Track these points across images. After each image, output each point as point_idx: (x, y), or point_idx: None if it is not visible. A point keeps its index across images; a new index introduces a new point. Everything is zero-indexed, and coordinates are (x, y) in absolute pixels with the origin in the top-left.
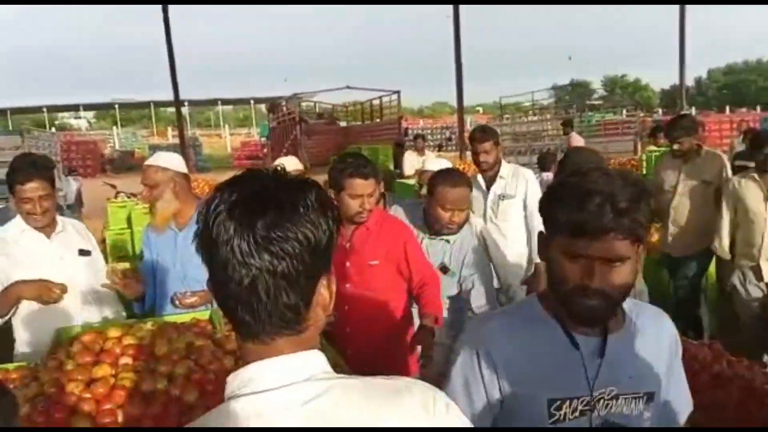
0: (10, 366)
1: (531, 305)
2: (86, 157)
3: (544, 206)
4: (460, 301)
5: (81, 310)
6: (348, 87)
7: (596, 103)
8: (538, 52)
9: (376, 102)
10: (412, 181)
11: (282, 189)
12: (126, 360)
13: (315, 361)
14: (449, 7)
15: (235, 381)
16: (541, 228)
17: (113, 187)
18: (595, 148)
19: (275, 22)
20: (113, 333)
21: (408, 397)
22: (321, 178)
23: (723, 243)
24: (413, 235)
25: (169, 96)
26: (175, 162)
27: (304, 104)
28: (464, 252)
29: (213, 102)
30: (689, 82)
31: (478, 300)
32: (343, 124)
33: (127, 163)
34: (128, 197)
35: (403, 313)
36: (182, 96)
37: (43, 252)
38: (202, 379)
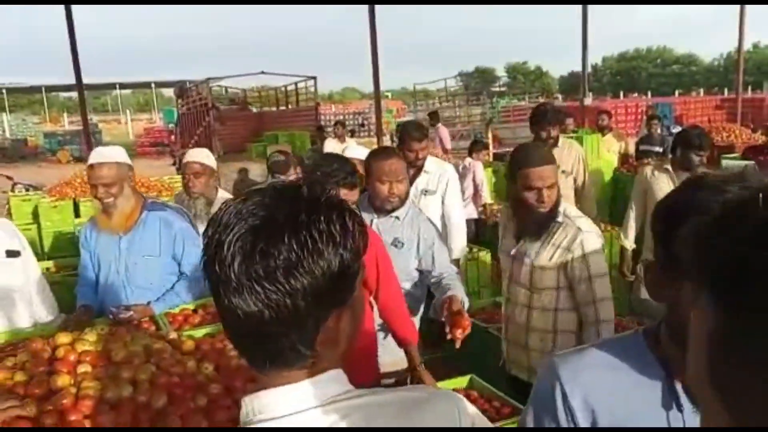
0: None
1: (635, 342)
2: None
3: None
4: (421, 285)
5: (8, 313)
6: (263, 72)
7: (501, 90)
8: (443, 40)
9: (291, 87)
10: None
11: (289, 223)
12: (85, 368)
13: (332, 384)
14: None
15: (251, 404)
16: (461, 225)
17: (9, 178)
18: (504, 132)
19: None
20: (63, 339)
21: (429, 411)
22: (235, 165)
23: (628, 233)
24: (385, 251)
25: (60, 80)
26: (125, 155)
27: (214, 89)
28: (417, 226)
29: (111, 86)
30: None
31: (440, 269)
32: (254, 109)
33: (20, 152)
34: (27, 189)
35: (365, 330)
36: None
37: None
38: (168, 383)
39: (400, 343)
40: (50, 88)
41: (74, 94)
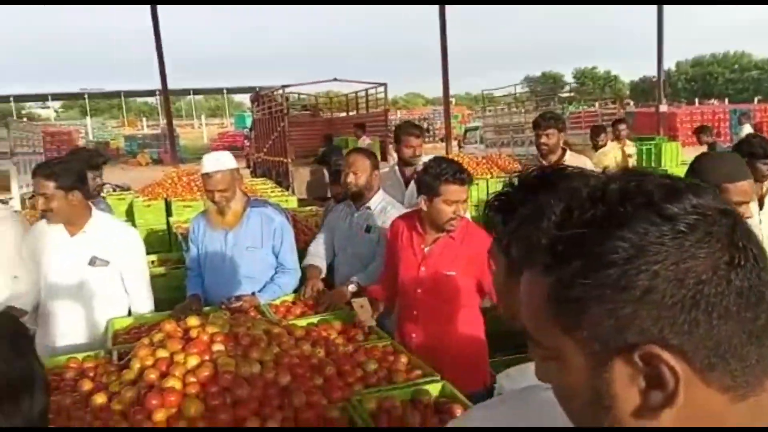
0: (80, 356)
1: None
2: (61, 148)
3: None
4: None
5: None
6: (336, 79)
7: (569, 95)
8: (509, 45)
9: (361, 94)
10: None
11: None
12: (218, 347)
13: None
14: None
15: None
16: None
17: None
18: (574, 139)
19: (245, 13)
20: (193, 322)
21: None
22: (306, 171)
23: None
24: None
25: (137, 86)
26: (234, 161)
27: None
28: (384, 216)
29: (185, 92)
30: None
31: None
32: (325, 115)
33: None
34: (114, 189)
35: (472, 327)
36: (154, 86)
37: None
38: (290, 363)
39: None
40: (130, 93)
41: (150, 99)
